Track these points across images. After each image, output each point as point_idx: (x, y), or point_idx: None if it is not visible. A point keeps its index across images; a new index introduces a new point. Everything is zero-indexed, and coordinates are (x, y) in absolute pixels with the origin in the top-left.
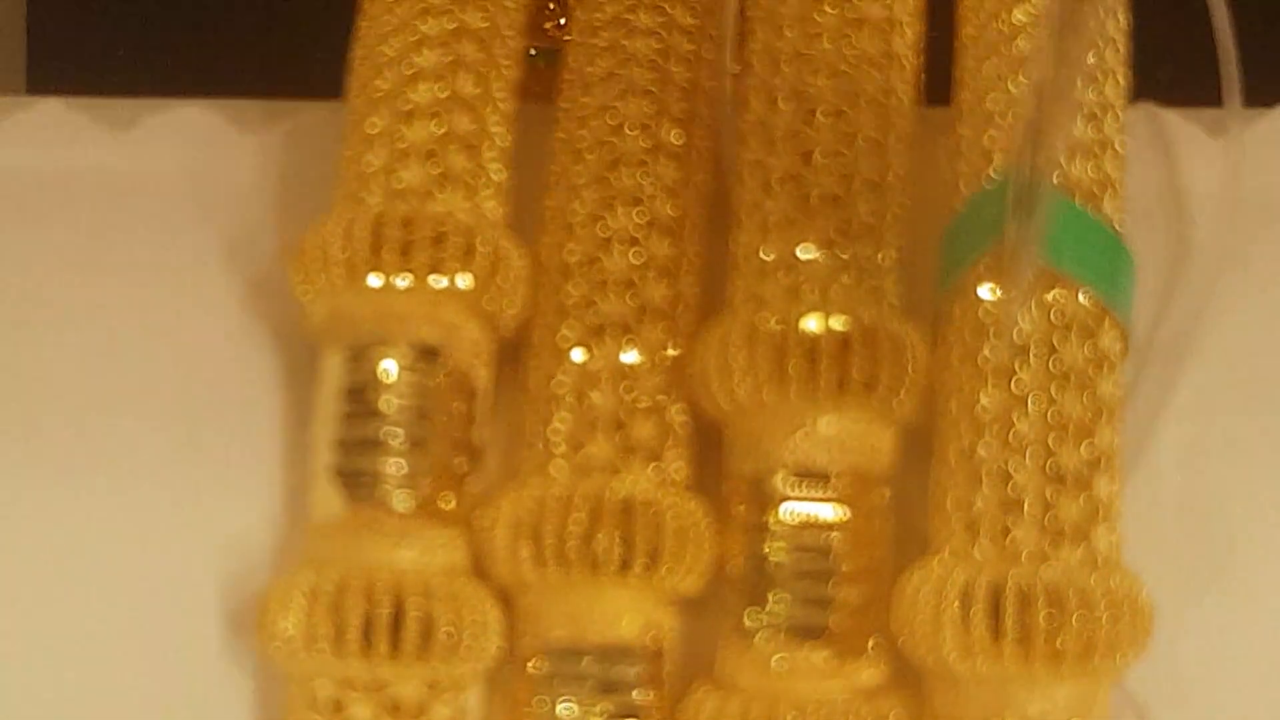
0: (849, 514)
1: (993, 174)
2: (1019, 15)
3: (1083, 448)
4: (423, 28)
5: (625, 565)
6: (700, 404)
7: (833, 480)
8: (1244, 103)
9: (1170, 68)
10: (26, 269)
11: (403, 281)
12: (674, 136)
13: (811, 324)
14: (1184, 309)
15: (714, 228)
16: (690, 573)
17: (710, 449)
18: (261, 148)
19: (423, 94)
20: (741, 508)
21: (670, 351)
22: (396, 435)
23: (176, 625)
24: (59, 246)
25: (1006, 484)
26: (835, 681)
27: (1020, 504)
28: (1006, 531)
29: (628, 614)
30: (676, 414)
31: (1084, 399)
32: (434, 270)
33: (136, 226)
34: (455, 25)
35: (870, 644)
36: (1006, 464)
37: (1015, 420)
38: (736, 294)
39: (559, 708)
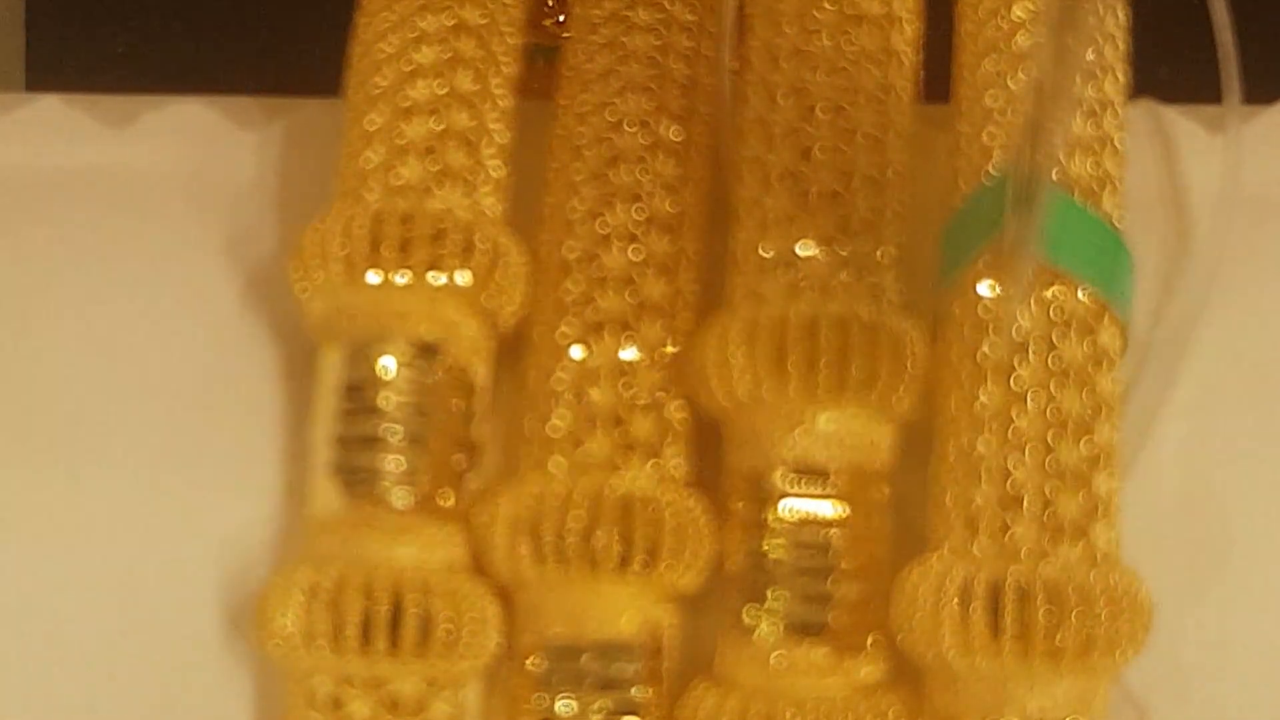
0: (848, 511)
1: (992, 171)
2: (1018, 11)
3: (1082, 444)
4: (421, 24)
5: (624, 562)
6: (699, 400)
7: (832, 477)
8: (1243, 99)
9: (1170, 64)
10: (25, 266)
11: (402, 278)
12: (673, 133)
13: (811, 321)
14: (1183, 306)
15: (713, 224)
16: (689, 569)
17: (709, 445)
18: (260, 144)
19: (421, 91)
20: (740, 504)
21: (669, 348)
22: (395, 432)
23: (175, 622)
24: (57, 243)
25: (1006, 481)
26: (834, 678)
27: (1019, 501)
28: (1006, 528)
29: (627, 611)
30: (675, 411)
31: (1083, 396)
32: (433, 267)
33: (135, 223)
34: (454, 22)
35: (869, 641)
36: (1006, 461)
37: (1014, 417)
38: (735, 290)
39: (558, 705)
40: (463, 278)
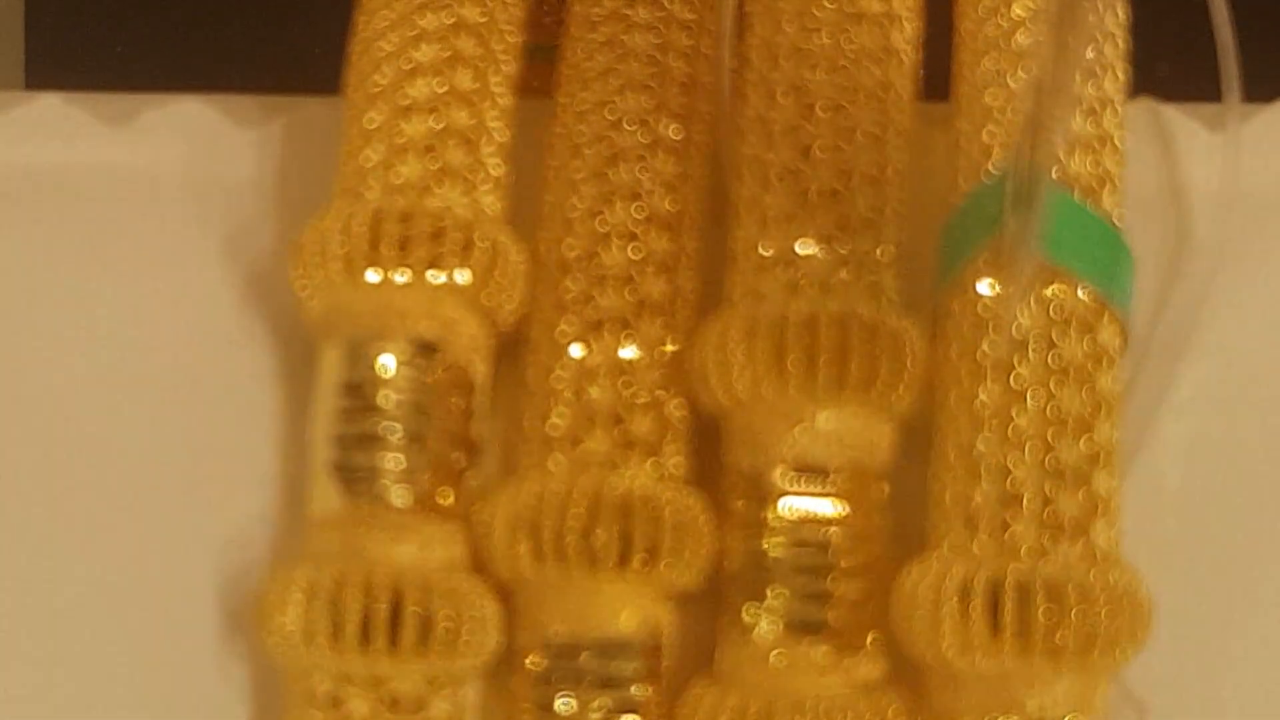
0: (848, 509)
1: (991, 169)
2: (1018, 10)
3: (1082, 443)
4: (421, 23)
5: (624, 560)
6: (699, 399)
7: (831, 475)
8: (1243, 98)
9: (1170, 63)
10: (24, 264)
11: (401, 277)
12: (672, 131)
13: (810, 319)
14: (1183, 304)
15: (712, 223)
16: (689, 568)
17: (709, 444)
18: (260, 143)
19: (421, 89)
20: (740, 503)
21: (669, 346)
22: (395, 430)
23: (175, 620)
24: (57, 241)
25: (1005, 479)
26: (834, 676)
27: (1019, 499)
28: (1005, 526)
29: (626, 609)
30: (675, 409)
31: (1083, 394)
32: (432, 265)
33: (134, 221)
34: (453, 20)
35: (869, 639)
36: (1005, 459)
37: (1014, 415)
38: (735, 289)
39: (557, 703)
40: (462, 276)
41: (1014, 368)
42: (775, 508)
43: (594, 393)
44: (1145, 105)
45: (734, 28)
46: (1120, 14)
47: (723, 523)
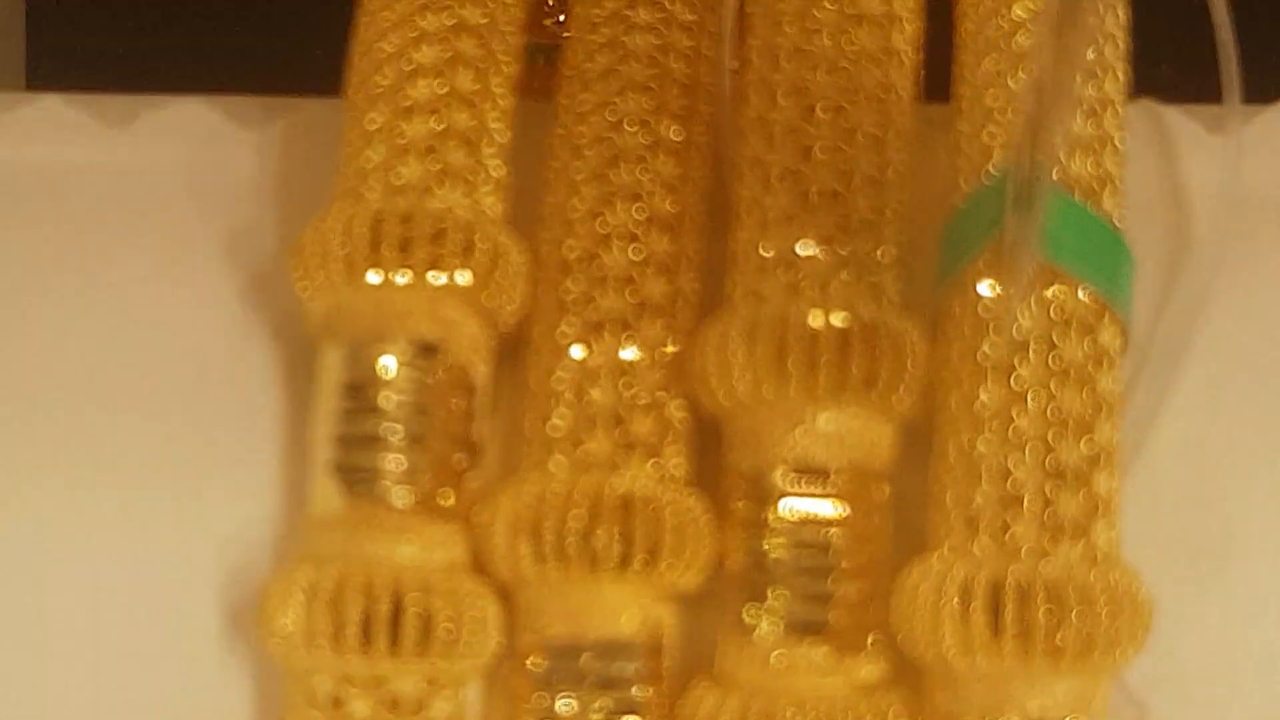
0: (848, 510)
1: (992, 170)
2: (1018, 11)
3: (1082, 444)
4: (422, 23)
5: (624, 561)
6: (700, 400)
7: (832, 476)
8: (1244, 99)
9: (1170, 64)
10: (25, 265)
11: (402, 278)
12: (673, 132)
13: (811, 320)
14: (1183, 305)
15: (713, 224)
16: (689, 569)
17: (709, 445)
18: (260, 144)
19: (422, 90)
20: (741, 504)
21: (669, 348)
22: (396, 431)
23: (176, 621)
24: (58, 242)
25: (1006, 480)
26: (834, 678)
27: (1020, 500)
28: (1006, 527)
29: (627, 610)
30: (676, 410)
31: (1083, 395)
32: (433, 267)
33: (135, 223)
34: (454, 21)
35: (870, 640)
36: (1006, 460)
37: (1015, 416)
38: (736, 290)
39: (558, 704)
40: (463, 277)
41: (1014, 369)
42: (776, 509)
43: (595, 394)
44: (1145, 106)
45: (735, 29)
46: (1120, 15)
47: (723, 524)
